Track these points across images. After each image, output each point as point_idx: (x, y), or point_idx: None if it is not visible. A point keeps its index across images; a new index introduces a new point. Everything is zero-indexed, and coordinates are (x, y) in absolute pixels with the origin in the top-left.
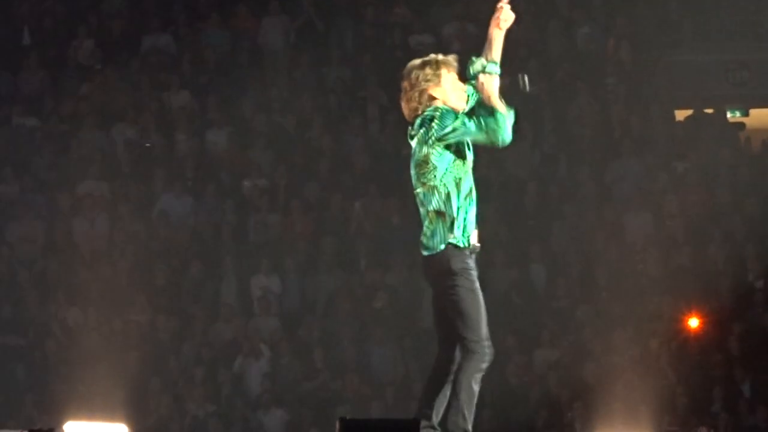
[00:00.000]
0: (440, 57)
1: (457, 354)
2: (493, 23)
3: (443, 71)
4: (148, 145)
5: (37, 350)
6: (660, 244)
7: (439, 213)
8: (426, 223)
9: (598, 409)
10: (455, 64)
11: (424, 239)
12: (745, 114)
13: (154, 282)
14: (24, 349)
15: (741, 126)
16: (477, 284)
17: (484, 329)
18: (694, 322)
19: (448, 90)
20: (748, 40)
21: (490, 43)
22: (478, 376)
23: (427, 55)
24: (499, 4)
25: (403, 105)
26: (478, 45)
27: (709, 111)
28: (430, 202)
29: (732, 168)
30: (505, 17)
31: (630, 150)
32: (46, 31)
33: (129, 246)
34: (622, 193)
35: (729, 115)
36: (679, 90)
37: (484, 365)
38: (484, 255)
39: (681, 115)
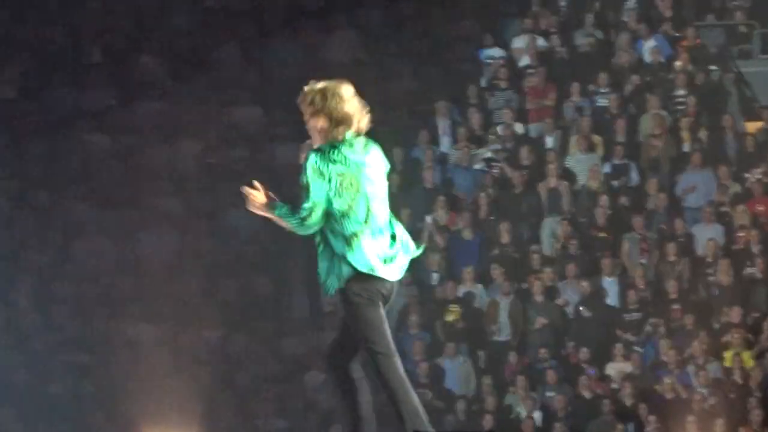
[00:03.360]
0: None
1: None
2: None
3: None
4: (211, 161)
5: (104, 367)
6: (731, 256)
7: None
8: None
9: (673, 422)
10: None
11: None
12: None
13: (223, 297)
14: (91, 365)
15: None
16: None
17: None
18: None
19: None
20: None
21: None
22: None
23: (496, 68)
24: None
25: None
26: (546, 58)
27: None
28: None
29: None
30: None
31: (700, 161)
32: (112, 47)
33: (198, 261)
34: (693, 204)
35: None
36: (749, 102)
37: None
38: (556, 267)
39: (751, 126)
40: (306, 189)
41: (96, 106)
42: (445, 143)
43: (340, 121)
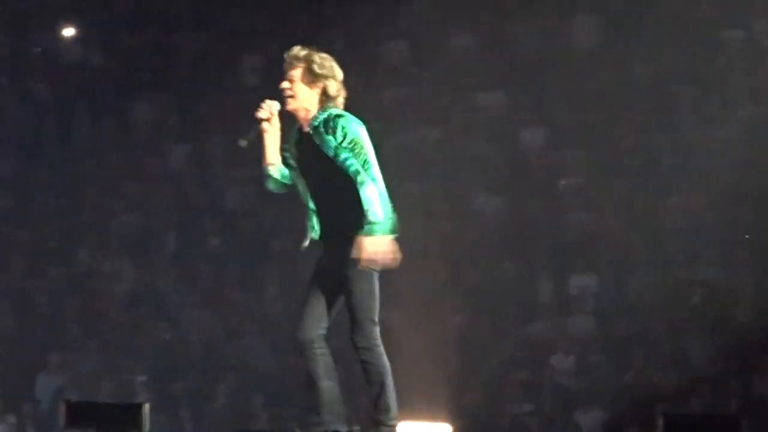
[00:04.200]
0: None
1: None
2: None
3: None
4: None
5: (352, 353)
6: None
7: None
8: None
9: None
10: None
11: None
12: None
13: (468, 282)
14: (338, 352)
15: None
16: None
17: None
18: None
19: None
20: None
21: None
22: None
23: (737, 50)
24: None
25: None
26: None
27: None
28: None
29: None
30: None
31: None
32: (355, 32)
33: (442, 246)
34: None
35: None
36: None
37: None
38: None
39: None
40: (358, 144)
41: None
42: (685, 125)
43: (340, 89)
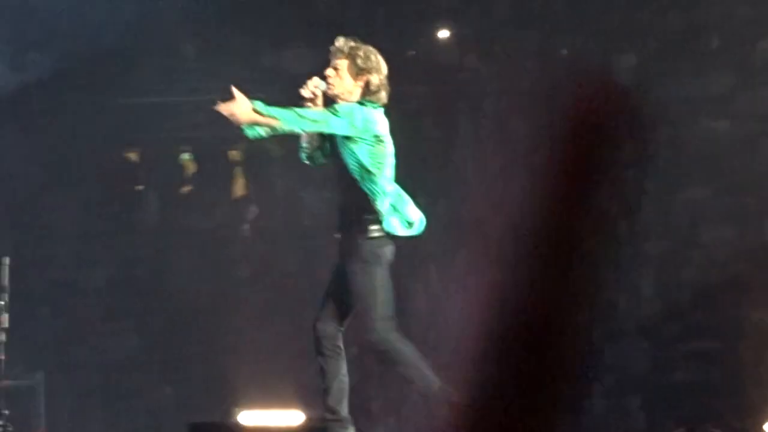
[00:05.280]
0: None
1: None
2: None
3: None
4: None
5: (732, 353)
6: None
7: None
8: None
9: None
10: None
11: None
12: None
13: None
14: (718, 352)
15: None
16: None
17: None
18: None
19: None
20: None
21: None
22: None
23: None
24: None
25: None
26: None
27: None
28: None
29: None
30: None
31: None
32: (731, 32)
33: None
34: None
35: None
36: None
37: None
38: None
39: None
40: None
41: (716, 92)
42: None
43: (381, 85)
